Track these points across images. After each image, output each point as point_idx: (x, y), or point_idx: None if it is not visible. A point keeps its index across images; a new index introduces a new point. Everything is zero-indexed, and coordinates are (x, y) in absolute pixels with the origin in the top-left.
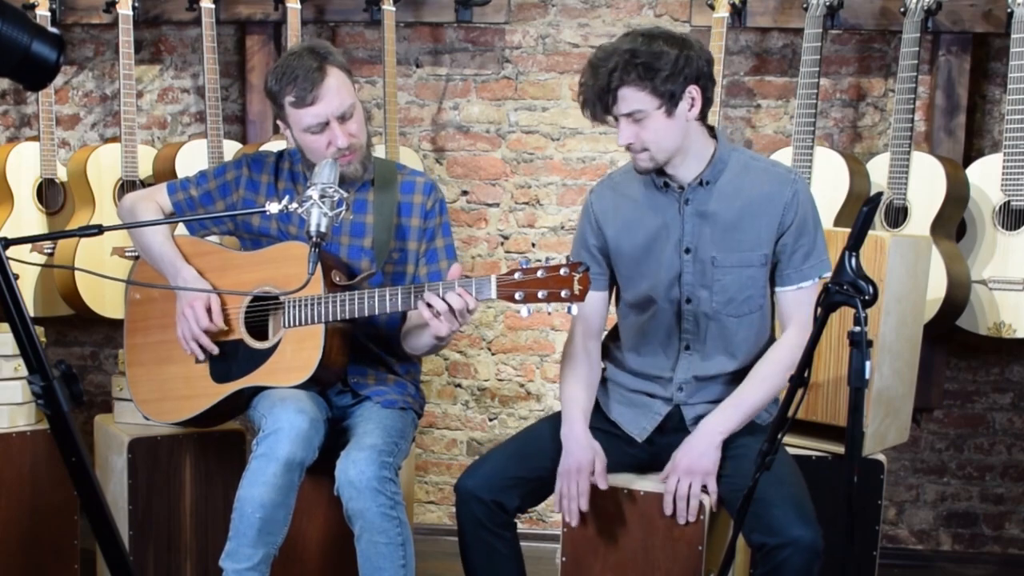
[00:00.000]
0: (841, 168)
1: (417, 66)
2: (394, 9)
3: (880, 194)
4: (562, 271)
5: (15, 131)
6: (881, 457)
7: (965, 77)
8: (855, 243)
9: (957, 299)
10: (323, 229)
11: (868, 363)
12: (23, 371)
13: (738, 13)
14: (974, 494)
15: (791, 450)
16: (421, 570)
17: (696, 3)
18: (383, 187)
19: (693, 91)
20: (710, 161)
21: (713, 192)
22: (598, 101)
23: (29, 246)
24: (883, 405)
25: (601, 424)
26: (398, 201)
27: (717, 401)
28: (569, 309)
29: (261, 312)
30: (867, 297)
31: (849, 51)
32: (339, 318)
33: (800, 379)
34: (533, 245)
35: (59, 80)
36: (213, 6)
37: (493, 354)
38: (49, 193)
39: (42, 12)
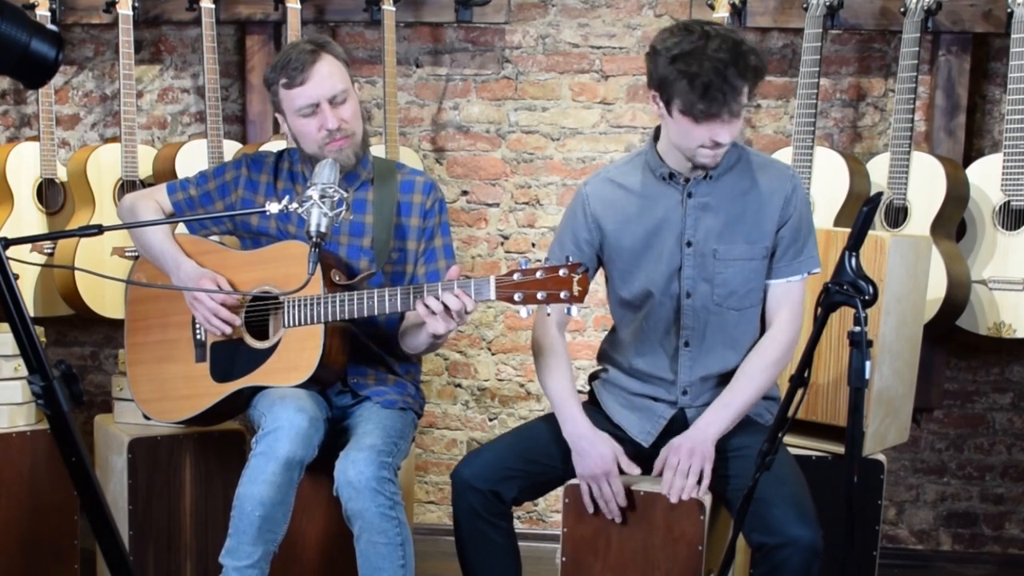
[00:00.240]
0: (841, 168)
1: (417, 66)
2: (394, 9)
3: (880, 194)
4: (561, 272)
5: (15, 131)
6: (881, 457)
7: (965, 77)
8: (855, 243)
9: (957, 299)
10: (323, 229)
11: (868, 363)
12: (23, 371)
13: (738, 13)
14: (974, 494)
15: (791, 450)
16: (421, 570)
17: (696, 3)
18: (382, 186)
19: None
20: None
21: (716, 185)
22: (734, 99)
23: (29, 246)
24: (883, 405)
25: (603, 427)
26: (397, 200)
27: None
28: (568, 310)
29: (261, 312)
30: (867, 297)
31: (849, 51)
32: (339, 318)
33: (800, 379)
34: (533, 245)
35: (59, 80)
36: (213, 6)
37: (493, 354)
38: (49, 193)
39: (42, 12)
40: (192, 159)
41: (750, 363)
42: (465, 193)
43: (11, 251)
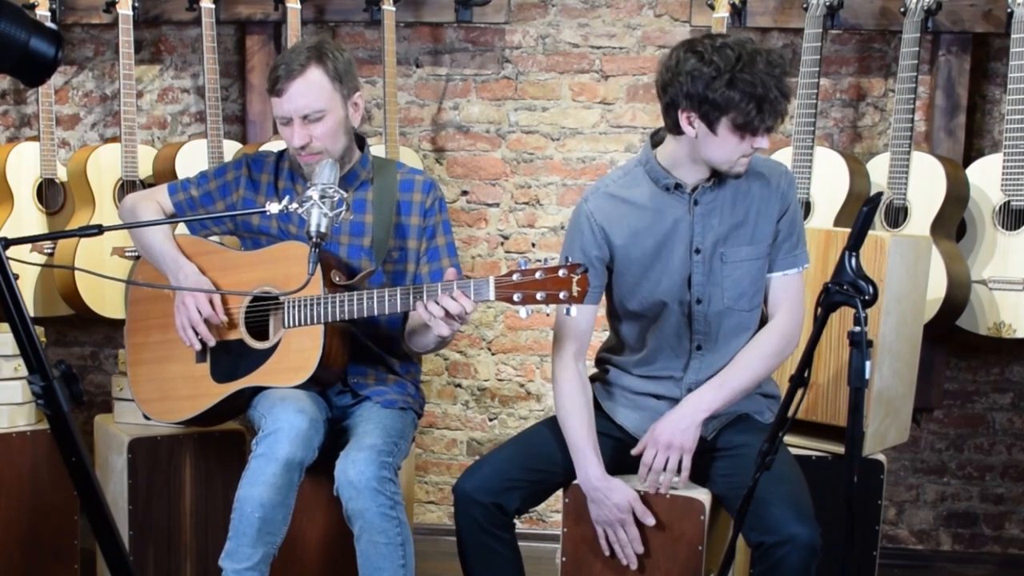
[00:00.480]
0: (841, 168)
1: (417, 66)
2: (394, 9)
3: (880, 194)
4: (560, 272)
5: (15, 131)
6: (881, 457)
7: (965, 77)
8: (855, 243)
9: (957, 299)
10: (323, 229)
11: (868, 363)
12: (23, 371)
13: (738, 13)
14: (974, 494)
15: (791, 450)
16: (421, 570)
17: (696, 3)
18: (382, 186)
19: None
20: None
21: (718, 190)
22: (779, 120)
23: (29, 246)
24: (883, 405)
25: (606, 428)
26: (397, 199)
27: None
28: (567, 311)
29: (261, 312)
30: (867, 297)
31: (849, 51)
32: (339, 318)
33: (800, 379)
34: (533, 245)
35: (59, 80)
36: (213, 6)
37: (493, 354)
38: (49, 193)
39: (42, 12)
40: (192, 159)
41: (749, 350)
42: (465, 193)
43: (11, 251)
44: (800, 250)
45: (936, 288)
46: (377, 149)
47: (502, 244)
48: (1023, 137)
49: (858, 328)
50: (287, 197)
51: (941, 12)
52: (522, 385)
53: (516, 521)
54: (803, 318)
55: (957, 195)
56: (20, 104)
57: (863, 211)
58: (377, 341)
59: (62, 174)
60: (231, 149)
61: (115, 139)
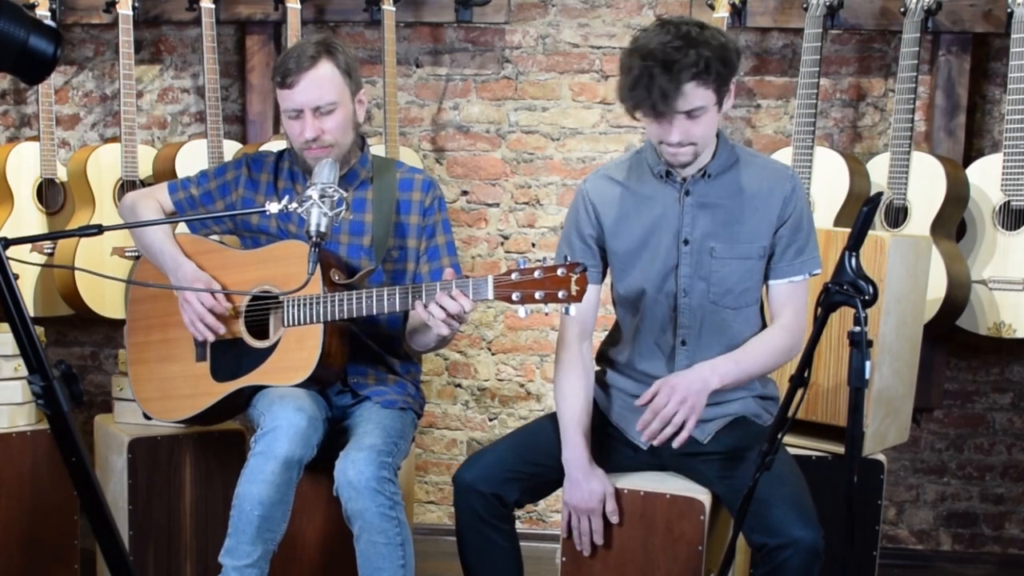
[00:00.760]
0: (841, 168)
1: (417, 66)
2: (394, 9)
3: (880, 194)
4: (559, 272)
5: (15, 131)
6: (881, 457)
7: (965, 77)
8: (855, 243)
9: (957, 299)
10: (323, 229)
11: (868, 363)
12: (23, 371)
13: (738, 13)
14: (974, 494)
15: (791, 450)
16: (421, 570)
17: (696, 3)
18: (382, 185)
19: (733, 85)
20: (713, 154)
21: (714, 184)
22: (662, 99)
23: (29, 246)
24: (883, 405)
25: (603, 428)
26: (396, 199)
27: (718, 402)
28: (567, 310)
29: (261, 311)
30: (867, 297)
31: (849, 51)
32: (338, 318)
33: (800, 379)
34: (533, 245)
35: (59, 80)
36: (213, 6)
37: (493, 354)
38: (49, 193)
39: (42, 12)
40: (192, 159)
41: (760, 342)
42: (465, 193)
43: (11, 251)
44: (807, 256)
45: (936, 288)
46: (377, 149)
47: (502, 244)
48: (1023, 137)
49: (858, 328)
50: (287, 197)
51: (941, 12)
52: (522, 385)
53: (516, 514)
54: (805, 326)
55: (957, 195)
56: (20, 104)
57: (863, 211)
58: (377, 340)
59: (62, 174)
60: (231, 149)
61: (115, 139)
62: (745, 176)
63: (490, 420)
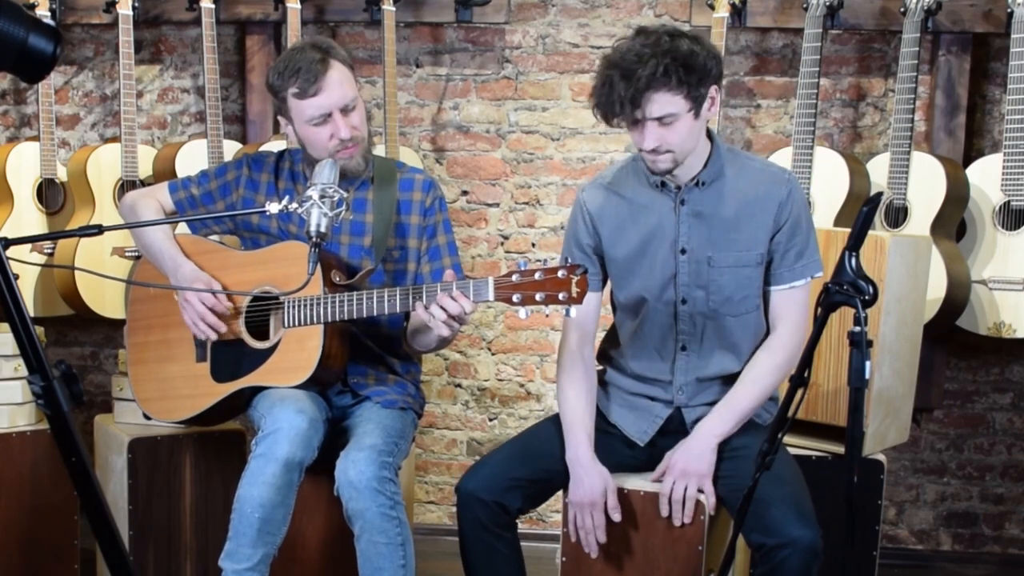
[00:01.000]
0: (841, 168)
1: (417, 66)
2: (394, 9)
3: (880, 194)
4: (560, 273)
5: (15, 131)
6: (881, 457)
7: (965, 77)
8: (855, 243)
9: (957, 299)
10: (323, 229)
11: (868, 363)
12: (23, 371)
13: (738, 13)
14: (974, 494)
15: (791, 450)
16: (421, 570)
17: (696, 3)
18: (382, 185)
19: (714, 91)
20: (707, 162)
21: (709, 193)
22: (628, 104)
23: (29, 246)
24: (883, 405)
25: (602, 426)
26: (397, 199)
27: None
28: (567, 312)
29: (262, 312)
30: (867, 297)
31: (849, 51)
32: (339, 318)
33: (800, 379)
34: (533, 245)
35: (59, 80)
36: (213, 6)
37: (493, 354)
38: (49, 193)
39: (42, 12)
40: (192, 159)
41: (755, 367)
42: (465, 193)
43: (11, 251)
44: (808, 260)
45: (936, 288)
46: (377, 149)
47: (502, 244)
48: (1023, 137)
49: (858, 328)
50: (287, 197)
51: (941, 12)
52: (522, 385)
53: (517, 520)
54: (805, 331)
55: (957, 195)
56: (20, 104)
57: (863, 211)
58: (377, 341)
59: (62, 174)
60: (231, 149)
61: (115, 139)
62: (740, 183)
63: (490, 420)
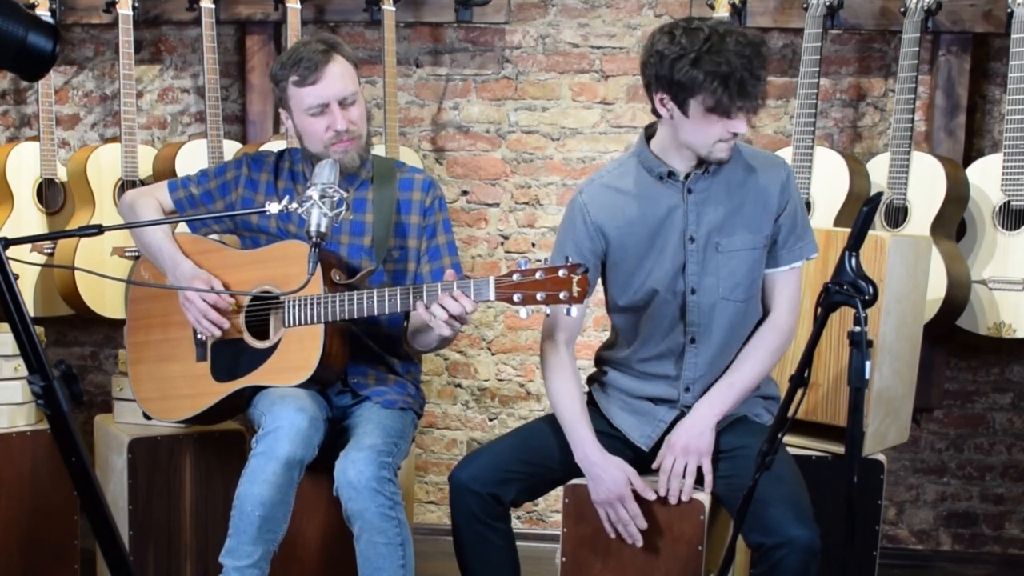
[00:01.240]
0: (841, 168)
1: (417, 66)
2: (394, 9)
3: (880, 194)
4: (560, 273)
5: (15, 131)
6: (881, 457)
7: (965, 77)
8: (855, 243)
9: (957, 299)
10: (323, 229)
11: (868, 363)
12: (23, 371)
13: (738, 13)
14: (974, 494)
15: (791, 450)
16: (421, 570)
17: (696, 3)
18: (382, 185)
19: None
20: None
21: (713, 179)
22: (762, 91)
23: (29, 246)
24: (883, 405)
25: (603, 428)
26: (397, 199)
27: None
28: (568, 311)
29: (262, 311)
30: (867, 297)
31: (849, 51)
32: (339, 318)
33: (800, 379)
34: (533, 245)
35: (59, 80)
36: (213, 6)
37: (493, 354)
38: (49, 193)
39: (42, 12)
40: (192, 159)
41: (754, 346)
42: (465, 193)
43: (11, 251)
44: (805, 241)
45: (936, 288)
46: (377, 149)
47: (502, 244)
48: (1023, 137)
49: (858, 328)
50: (287, 197)
51: (941, 12)
52: (522, 385)
53: (514, 514)
54: (799, 312)
55: (957, 195)
56: (20, 104)
57: (863, 211)
58: (378, 341)
59: (62, 174)
60: (231, 149)
61: (115, 139)
62: (741, 168)
63: (490, 420)
